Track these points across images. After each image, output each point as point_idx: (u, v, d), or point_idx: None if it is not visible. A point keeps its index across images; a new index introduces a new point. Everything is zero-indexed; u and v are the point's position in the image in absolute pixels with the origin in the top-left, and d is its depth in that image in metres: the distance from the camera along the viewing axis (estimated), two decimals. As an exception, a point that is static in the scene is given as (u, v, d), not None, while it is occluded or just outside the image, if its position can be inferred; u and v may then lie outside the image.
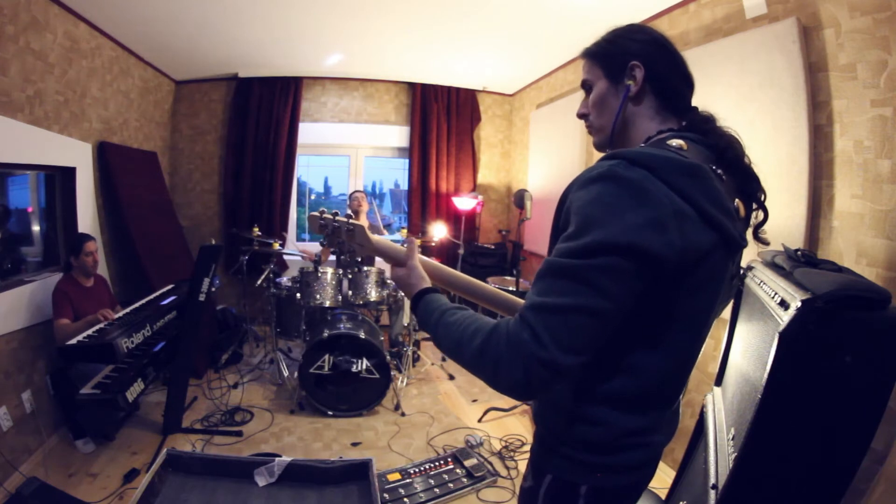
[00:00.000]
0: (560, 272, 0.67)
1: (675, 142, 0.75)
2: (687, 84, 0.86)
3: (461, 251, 4.29)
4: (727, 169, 0.80)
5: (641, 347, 0.75)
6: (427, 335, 4.38)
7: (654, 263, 0.65)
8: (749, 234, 0.87)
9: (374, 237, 1.06)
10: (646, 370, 0.76)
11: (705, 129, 0.81)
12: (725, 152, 0.80)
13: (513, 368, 0.66)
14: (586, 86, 0.90)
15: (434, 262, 1.04)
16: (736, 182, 0.82)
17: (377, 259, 3.42)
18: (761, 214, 0.87)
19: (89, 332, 2.19)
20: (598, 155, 0.87)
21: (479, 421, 3.03)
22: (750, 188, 0.83)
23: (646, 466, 0.85)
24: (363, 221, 4.04)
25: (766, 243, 0.88)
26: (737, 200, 0.81)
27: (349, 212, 4.04)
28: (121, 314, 2.51)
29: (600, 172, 0.69)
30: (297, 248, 4.44)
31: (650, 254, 0.64)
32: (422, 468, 2.45)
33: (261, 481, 2.14)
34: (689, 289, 0.71)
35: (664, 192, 0.66)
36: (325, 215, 1.09)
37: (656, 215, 0.65)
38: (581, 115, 0.93)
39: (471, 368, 0.73)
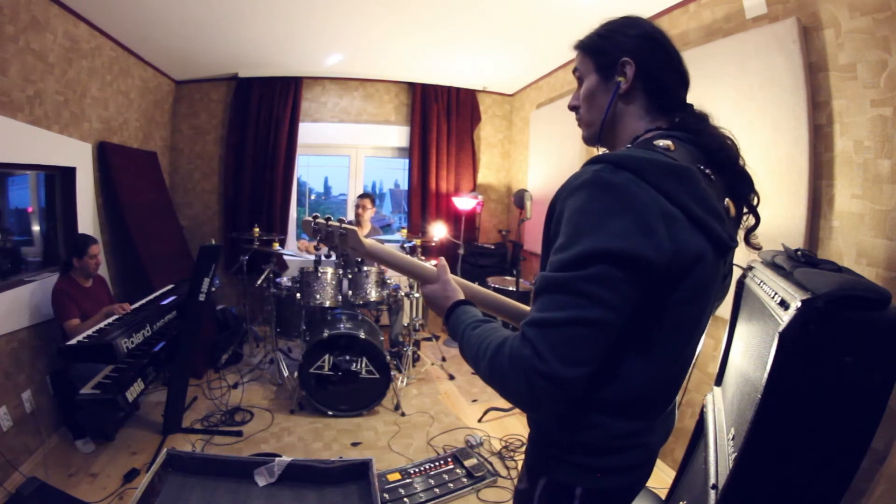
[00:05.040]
0: (554, 286, 0.68)
1: (662, 142, 0.75)
2: (681, 81, 0.84)
3: (461, 251, 4.29)
4: (717, 169, 0.79)
5: (634, 353, 0.74)
6: (427, 336, 4.40)
7: (644, 268, 0.65)
8: (741, 238, 0.86)
9: (368, 241, 1.05)
10: (639, 376, 0.76)
11: (696, 129, 0.80)
12: (716, 153, 0.79)
13: (517, 384, 0.67)
14: (577, 76, 0.89)
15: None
16: (727, 182, 0.81)
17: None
18: (752, 219, 0.86)
19: (89, 332, 2.19)
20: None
21: (479, 421, 3.03)
22: (742, 190, 0.83)
23: (641, 468, 0.85)
24: (366, 225, 4.04)
25: (757, 248, 0.88)
26: (727, 200, 0.80)
27: (356, 213, 4.05)
28: (133, 308, 2.54)
29: (586, 179, 0.68)
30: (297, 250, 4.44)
31: (640, 258, 0.64)
32: (422, 468, 2.45)
33: (261, 481, 2.15)
34: (681, 293, 0.71)
35: (651, 194, 0.66)
36: (317, 220, 1.09)
37: (643, 219, 0.64)
38: (572, 108, 0.92)
39: (486, 382, 0.74)
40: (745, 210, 0.86)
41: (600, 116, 0.85)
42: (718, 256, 0.74)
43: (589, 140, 0.90)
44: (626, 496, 0.88)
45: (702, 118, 0.83)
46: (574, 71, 0.90)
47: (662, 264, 0.66)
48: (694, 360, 0.88)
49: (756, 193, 0.85)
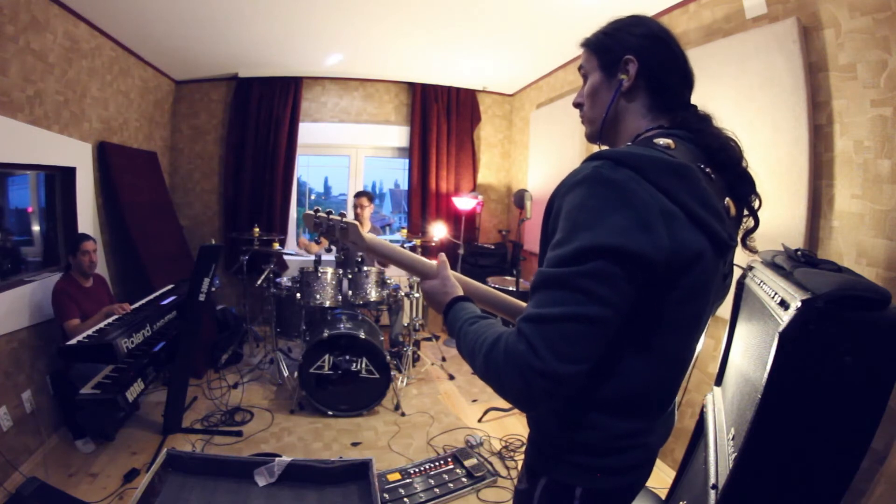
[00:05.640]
0: (551, 282, 0.67)
1: (663, 140, 0.75)
2: (685, 81, 0.84)
3: (461, 251, 4.29)
4: (717, 169, 0.78)
5: (633, 352, 0.74)
6: (427, 336, 4.40)
7: (642, 265, 0.64)
8: (739, 240, 0.86)
9: (368, 236, 1.07)
10: (638, 375, 0.76)
11: (698, 128, 0.80)
12: (717, 152, 0.79)
13: (513, 380, 0.67)
14: (583, 73, 0.89)
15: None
16: (727, 182, 0.81)
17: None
18: (752, 221, 0.86)
19: (89, 332, 2.19)
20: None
21: (479, 421, 3.03)
22: (743, 190, 0.82)
23: (641, 468, 0.85)
24: (367, 224, 4.04)
25: (753, 251, 0.87)
26: (727, 200, 0.80)
27: (355, 213, 4.04)
28: (133, 308, 2.54)
29: (585, 175, 0.68)
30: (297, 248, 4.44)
31: (637, 255, 0.63)
32: (422, 468, 2.45)
33: (261, 481, 2.15)
34: (680, 291, 0.70)
35: (650, 192, 0.65)
36: (319, 214, 1.10)
37: (642, 216, 0.64)
38: (576, 105, 0.92)
39: (482, 378, 0.74)
40: (746, 212, 0.85)
41: (602, 114, 0.85)
42: (718, 255, 0.73)
43: (591, 137, 0.90)
44: (626, 496, 0.87)
45: (704, 118, 0.83)
46: (580, 68, 0.90)
47: (661, 261, 0.65)
48: (694, 360, 0.88)
49: (757, 195, 0.84)
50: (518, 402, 0.71)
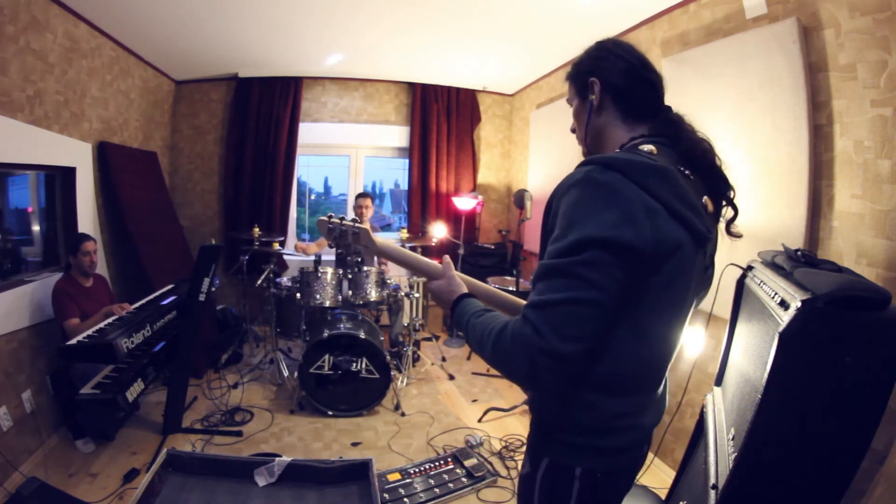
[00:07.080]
0: (552, 272, 0.76)
1: (647, 147, 0.83)
2: (650, 87, 0.92)
3: (461, 251, 4.30)
4: (695, 170, 0.88)
5: (623, 333, 0.80)
6: (427, 336, 4.40)
7: (630, 253, 0.73)
8: (723, 230, 0.96)
9: (379, 239, 1.15)
10: (627, 356, 0.82)
11: (674, 135, 0.88)
12: (695, 159, 0.88)
13: (520, 361, 0.75)
14: (571, 104, 1.01)
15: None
16: (705, 182, 0.90)
17: (376, 258, 3.43)
18: (731, 212, 0.94)
19: (89, 332, 2.19)
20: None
21: (479, 421, 3.03)
22: (720, 189, 0.92)
23: (636, 448, 0.90)
24: (366, 225, 4.04)
25: (737, 236, 0.95)
26: (705, 198, 0.89)
27: (354, 216, 4.04)
28: (133, 308, 2.54)
29: (578, 178, 0.77)
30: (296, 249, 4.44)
31: (626, 245, 0.72)
32: (422, 468, 2.45)
33: (261, 481, 2.15)
34: (663, 277, 0.78)
35: (635, 191, 0.74)
36: (332, 220, 1.19)
37: (628, 212, 0.73)
38: (572, 131, 1.03)
39: (491, 364, 0.83)
40: (725, 203, 0.93)
41: (584, 134, 0.97)
42: (697, 245, 0.81)
43: (585, 156, 0.98)
44: (625, 476, 0.93)
45: (677, 123, 0.91)
46: (568, 101, 1.01)
47: (647, 251, 0.73)
48: (679, 346, 0.93)
49: (732, 188, 0.93)
50: (525, 382, 0.80)
